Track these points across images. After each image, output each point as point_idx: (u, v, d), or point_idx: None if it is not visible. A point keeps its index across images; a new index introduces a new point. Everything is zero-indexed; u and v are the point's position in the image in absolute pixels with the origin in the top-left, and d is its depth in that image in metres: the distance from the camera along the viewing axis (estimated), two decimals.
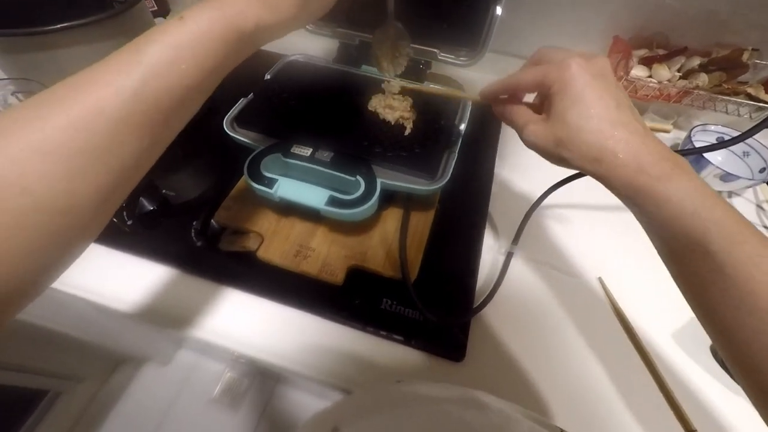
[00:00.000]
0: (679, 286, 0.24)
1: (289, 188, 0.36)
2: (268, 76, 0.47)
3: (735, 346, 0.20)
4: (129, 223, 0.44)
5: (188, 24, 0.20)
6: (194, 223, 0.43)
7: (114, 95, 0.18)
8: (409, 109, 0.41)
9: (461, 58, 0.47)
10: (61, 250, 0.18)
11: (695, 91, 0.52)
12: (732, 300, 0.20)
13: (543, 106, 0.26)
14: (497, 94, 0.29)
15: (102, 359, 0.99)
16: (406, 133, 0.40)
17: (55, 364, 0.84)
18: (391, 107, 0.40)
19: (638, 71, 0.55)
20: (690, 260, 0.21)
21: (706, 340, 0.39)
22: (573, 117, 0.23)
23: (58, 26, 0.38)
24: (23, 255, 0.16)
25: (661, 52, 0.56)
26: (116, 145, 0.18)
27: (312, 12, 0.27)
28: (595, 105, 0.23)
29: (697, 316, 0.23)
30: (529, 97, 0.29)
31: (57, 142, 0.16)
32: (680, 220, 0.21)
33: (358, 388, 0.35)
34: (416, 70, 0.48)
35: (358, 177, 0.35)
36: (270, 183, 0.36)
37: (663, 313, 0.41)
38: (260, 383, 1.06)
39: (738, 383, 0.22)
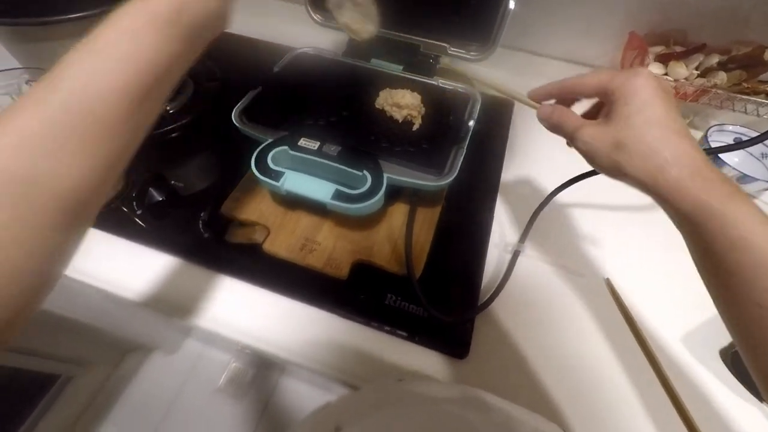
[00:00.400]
0: (724, 312, 0.22)
1: (295, 181, 0.36)
2: (276, 69, 0.47)
3: None
4: (138, 213, 0.44)
5: (107, 25, 0.20)
6: (201, 215, 0.44)
7: (46, 110, 0.17)
8: (417, 106, 0.40)
9: (471, 53, 0.46)
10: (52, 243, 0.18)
11: (713, 90, 0.51)
12: None
13: (599, 113, 0.26)
14: (550, 97, 0.29)
15: (112, 346, 1.01)
16: (415, 128, 0.40)
17: (66, 349, 0.86)
18: (398, 105, 0.40)
19: (654, 68, 0.53)
20: (751, 282, 0.20)
21: (716, 345, 0.38)
22: (639, 121, 0.23)
23: (72, 16, 0.38)
24: (14, 246, 0.16)
25: (678, 49, 0.54)
26: (65, 162, 0.17)
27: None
28: (662, 114, 0.23)
29: (739, 346, 0.22)
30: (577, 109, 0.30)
31: (3, 167, 0.16)
32: (748, 242, 0.20)
33: (361, 382, 0.35)
34: (426, 65, 0.48)
35: (365, 172, 0.35)
36: (277, 176, 0.36)
37: (672, 316, 0.40)
38: (264, 374, 1.08)
39: None
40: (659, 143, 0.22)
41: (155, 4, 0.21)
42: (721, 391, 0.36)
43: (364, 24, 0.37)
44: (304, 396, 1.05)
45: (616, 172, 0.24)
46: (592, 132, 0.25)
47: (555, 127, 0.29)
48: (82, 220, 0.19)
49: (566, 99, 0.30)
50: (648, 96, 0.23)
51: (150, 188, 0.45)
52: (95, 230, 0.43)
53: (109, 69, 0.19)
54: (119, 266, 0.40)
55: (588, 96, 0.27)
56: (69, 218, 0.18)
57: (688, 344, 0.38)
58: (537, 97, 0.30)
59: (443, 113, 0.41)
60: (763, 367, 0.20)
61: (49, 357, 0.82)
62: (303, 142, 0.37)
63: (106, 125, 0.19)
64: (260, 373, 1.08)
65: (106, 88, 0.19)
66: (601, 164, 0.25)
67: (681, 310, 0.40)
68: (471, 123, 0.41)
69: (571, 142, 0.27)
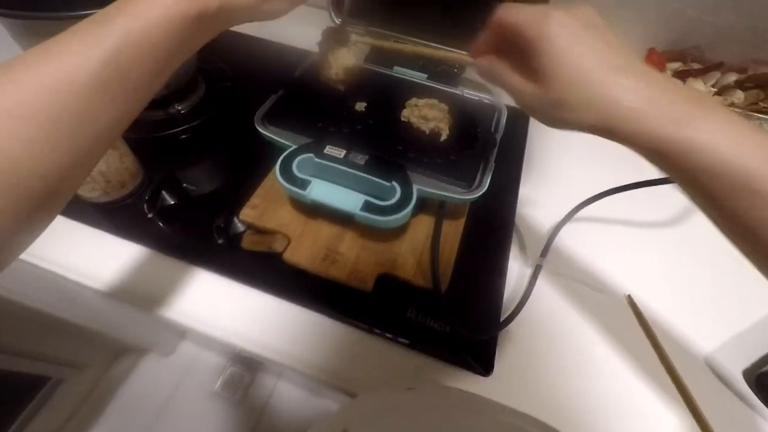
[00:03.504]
0: (722, 231, 0.21)
1: (322, 191, 0.35)
2: (297, 73, 0.46)
3: None
4: (149, 216, 0.43)
5: (157, 4, 0.20)
6: (216, 220, 0.42)
7: (84, 64, 0.18)
8: (444, 117, 0.40)
9: None
10: (31, 217, 0.18)
11: (730, 109, 0.51)
12: None
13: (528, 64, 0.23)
14: (486, 47, 0.27)
15: (105, 348, 0.98)
16: (442, 139, 0.39)
17: (58, 351, 0.83)
18: (425, 118, 0.39)
19: None
20: (735, 205, 0.19)
21: (740, 365, 0.38)
22: (565, 75, 0.21)
23: (87, 12, 0.37)
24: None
25: (696, 66, 0.54)
26: (87, 113, 0.18)
27: (276, 8, 0.26)
28: (587, 56, 0.20)
29: (750, 260, 0.21)
30: None
31: (30, 105, 0.17)
32: (719, 167, 0.18)
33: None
34: (450, 74, 0.47)
35: (394, 182, 0.34)
36: (303, 184, 0.35)
37: (695, 334, 0.40)
38: (261, 379, 1.06)
39: None
40: (595, 90, 0.20)
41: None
42: (744, 412, 0.36)
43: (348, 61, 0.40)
44: (301, 402, 1.03)
45: (570, 127, 0.22)
46: (531, 95, 0.23)
47: (501, 86, 0.26)
48: (48, 212, 0.20)
49: (504, 45, 0.26)
50: (566, 42, 0.21)
51: (163, 191, 0.43)
52: (103, 233, 0.41)
53: (155, 42, 0.20)
54: (125, 269, 0.39)
55: (509, 36, 0.24)
56: (33, 207, 0.18)
57: (712, 363, 0.38)
58: (475, 53, 0.28)
59: (470, 125, 0.41)
60: None
61: (39, 358, 0.79)
62: (329, 149, 0.36)
63: (136, 87, 0.20)
64: (257, 378, 1.06)
65: (147, 56, 0.20)
66: (553, 124, 0.23)
67: (704, 329, 0.40)
68: (498, 135, 0.41)
69: (516, 103, 0.25)
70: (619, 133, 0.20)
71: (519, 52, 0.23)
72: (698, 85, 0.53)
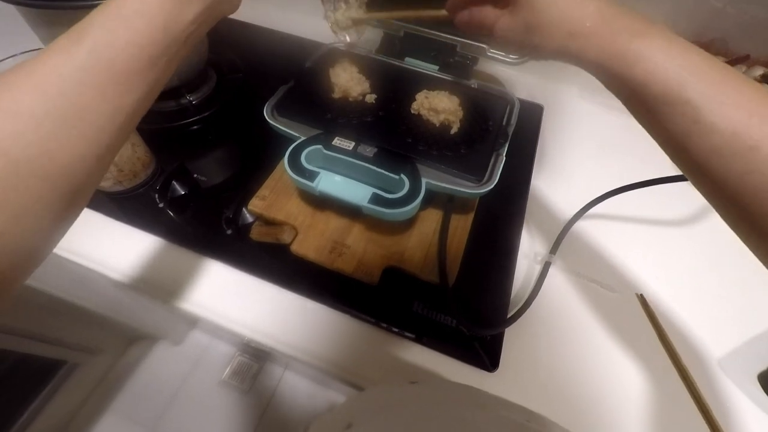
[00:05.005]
0: (657, 142, 0.23)
1: (330, 183, 0.35)
2: (308, 64, 0.45)
3: (726, 193, 0.20)
4: (160, 206, 0.43)
5: None
6: (225, 211, 0.43)
7: (69, 59, 0.18)
8: (455, 109, 0.39)
9: (511, 56, 0.45)
10: (48, 218, 0.18)
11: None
12: (716, 147, 0.19)
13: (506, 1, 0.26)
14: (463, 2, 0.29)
15: (119, 335, 1.01)
16: (452, 131, 0.38)
17: (74, 336, 0.86)
18: (436, 110, 0.39)
19: None
20: (667, 114, 0.21)
21: (755, 369, 0.37)
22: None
23: (98, 1, 0.37)
24: (9, 222, 0.16)
25: (720, 59, 0.52)
26: (81, 109, 0.18)
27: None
28: None
29: (680, 169, 0.23)
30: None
31: (25, 105, 0.17)
32: (655, 75, 0.20)
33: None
34: (463, 65, 0.46)
35: (402, 175, 0.34)
36: (311, 176, 0.35)
37: (708, 335, 0.39)
38: (269, 368, 1.07)
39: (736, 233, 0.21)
40: (562, 12, 0.23)
41: None
42: (758, 417, 0.35)
43: (351, 28, 0.39)
44: (307, 392, 1.05)
45: (538, 52, 0.25)
46: (504, 22, 0.26)
47: (477, 27, 0.29)
48: (77, 206, 0.20)
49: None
50: None
51: (174, 181, 0.44)
52: (115, 221, 0.42)
53: (136, 27, 0.20)
54: (136, 257, 0.40)
55: None
56: (65, 204, 0.19)
57: (725, 368, 0.37)
58: (453, 8, 0.30)
59: (481, 118, 0.40)
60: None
61: (56, 343, 0.81)
62: (337, 141, 0.36)
63: (124, 77, 0.20)
64: (265, 367, 1.07)
65: (130, 41, 0.20)
66: (523, 50, 0.26)
67: (718, 331, 0.39)
68: (510, 128, 0.40)
69: (493, 37, 0.28)
70: (580, 52, 0.23)
71: None
72: None
